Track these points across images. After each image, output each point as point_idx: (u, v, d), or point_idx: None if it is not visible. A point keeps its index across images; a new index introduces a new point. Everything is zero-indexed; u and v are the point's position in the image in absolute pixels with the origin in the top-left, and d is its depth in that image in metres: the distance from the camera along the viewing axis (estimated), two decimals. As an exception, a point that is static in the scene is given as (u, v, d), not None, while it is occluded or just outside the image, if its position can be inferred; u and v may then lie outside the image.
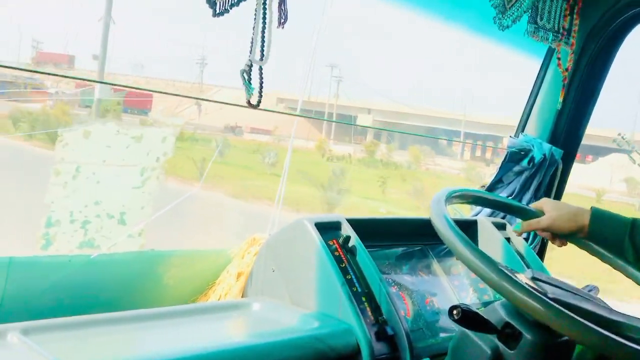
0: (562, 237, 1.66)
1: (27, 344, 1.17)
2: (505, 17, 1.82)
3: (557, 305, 1.12)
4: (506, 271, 1.21)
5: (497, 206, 1.85)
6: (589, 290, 1.43)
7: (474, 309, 1.33)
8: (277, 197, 2.33)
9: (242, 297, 1.77)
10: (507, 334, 1.29)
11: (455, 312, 1.27)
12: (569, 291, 1.32)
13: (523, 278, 1.27)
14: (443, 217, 1.37)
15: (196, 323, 1.46)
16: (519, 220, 1.74)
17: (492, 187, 2.38)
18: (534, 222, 1.67)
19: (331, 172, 16.35)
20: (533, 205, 1.72)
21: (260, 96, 1.26)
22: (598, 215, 1.58)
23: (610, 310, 1.33)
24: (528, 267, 2.01)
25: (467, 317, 1.27)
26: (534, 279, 1.32)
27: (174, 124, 1.66)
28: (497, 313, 1.34)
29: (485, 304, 1.79)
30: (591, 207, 1.61)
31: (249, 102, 1.25)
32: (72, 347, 1.24)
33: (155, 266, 1.75)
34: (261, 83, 1.24)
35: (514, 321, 1.30)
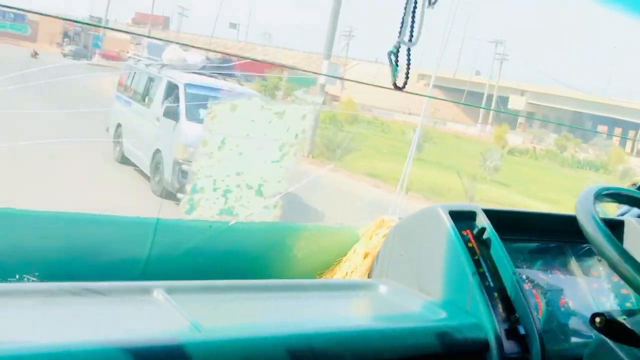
0: None
1: (170, 303, 1.26)
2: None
3: None
4: None
5: None
6: None
7: (619, 317, 1.24)
8: (400, 182, 2.29)
9: (368, 277, 1.78)
10: None
11: (598, 319, 1.19)
12: None
13: None
14: (591, 215, 1.28)
15: (324, 299, 1.49)
16: None
17: (649, 186, 2.17)
18: None
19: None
20: None
21: (407, 78, 1.23)
22: None
23: None
24: None
25: (610, 327, 1.19)
26: None
27: (314, 102, 1.68)
28: None
29: (628, 312, 1.66)
30: None
31: (394, 85, 1.23)
32: (208, 310, 1.31)
33: (287, 238, 1.80)
34: (408, 65, 1.20)
35: None
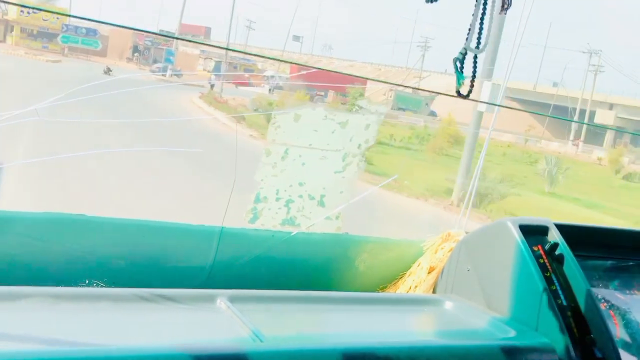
0: None
1: (232, 311, 1.26)
2: None
3: None
4: None
5: None
6: None
7: None
8: (467, 196, 2.23)
9: (432, 292, 1.73)
10: None
11: None
12: None
13: None
14: None
15: (388, 313, 1.45)
16: None
17: None
18: None
19: None
20: None
21: (472, 86, 1.19)
22: None
23: None
24: None
25: None
26: None
27: (378, 112, 1.66)
28: None
29: None
30: None
31: (458, 93, 1.19)
32: (270, 320, 1.31)
33: (348, 250, 1.78)
34: (474, 73, 1.17)
35: None
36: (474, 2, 1.08)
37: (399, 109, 36.28)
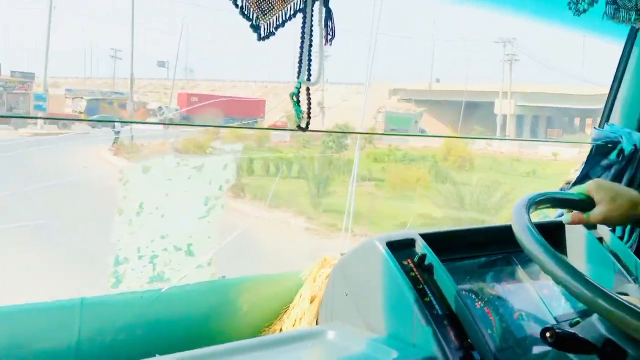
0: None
1: None
2: (581, 1, 1.66)
3: None
4: (601, 288, 1.09)
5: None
6: None
7: (569, 329, 1.22)
8: (347, 209, 2.24)
9: (317, 320, 1.71)
10: (609, 354, 1.17)
11: (548, 334, 1.16)
12: None
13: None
14: (526, 227, 1.26)
15: (273, 356, 1.40)
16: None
17: (577, 184, 2.20)
18: (581, 216, 1.43)
19: None
20: (577, 190, 1.48)
21: (309, 118, 1.19)
22: None
23: None
24: (626, 269, 1.83)
25: (562, 340, 1.16)
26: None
27: (234, 150, 1.63)
28: (596, 329, 1.22)
29: (582, 313, 1.65)
30: None
31: (298, 126, 1.19)
32: None
33: (228, 294, 1.72)
34: (309, 105, 1.18)
35: (615, 338, 1.17)
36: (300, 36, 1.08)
37: (392, 130, 34.34)
